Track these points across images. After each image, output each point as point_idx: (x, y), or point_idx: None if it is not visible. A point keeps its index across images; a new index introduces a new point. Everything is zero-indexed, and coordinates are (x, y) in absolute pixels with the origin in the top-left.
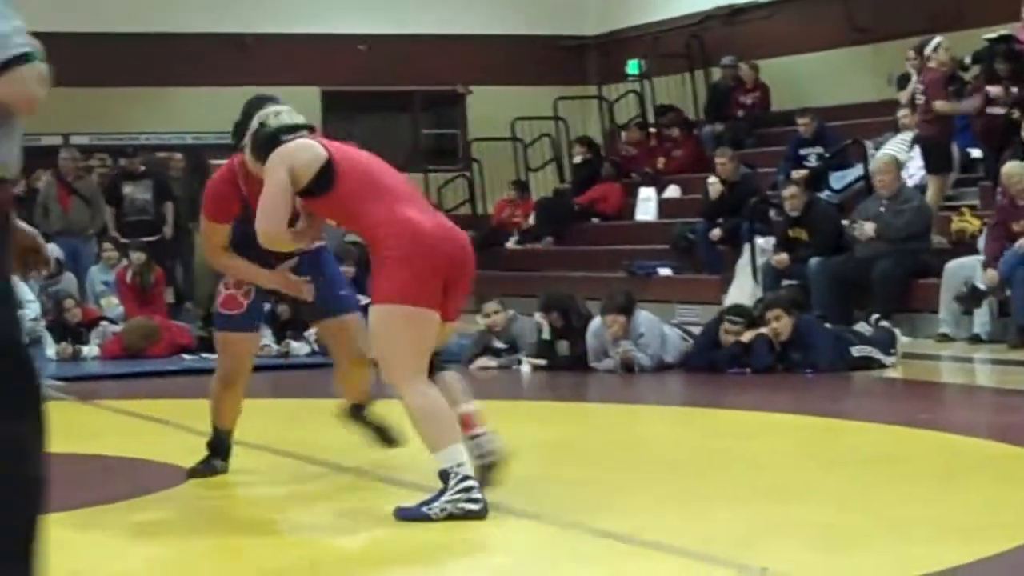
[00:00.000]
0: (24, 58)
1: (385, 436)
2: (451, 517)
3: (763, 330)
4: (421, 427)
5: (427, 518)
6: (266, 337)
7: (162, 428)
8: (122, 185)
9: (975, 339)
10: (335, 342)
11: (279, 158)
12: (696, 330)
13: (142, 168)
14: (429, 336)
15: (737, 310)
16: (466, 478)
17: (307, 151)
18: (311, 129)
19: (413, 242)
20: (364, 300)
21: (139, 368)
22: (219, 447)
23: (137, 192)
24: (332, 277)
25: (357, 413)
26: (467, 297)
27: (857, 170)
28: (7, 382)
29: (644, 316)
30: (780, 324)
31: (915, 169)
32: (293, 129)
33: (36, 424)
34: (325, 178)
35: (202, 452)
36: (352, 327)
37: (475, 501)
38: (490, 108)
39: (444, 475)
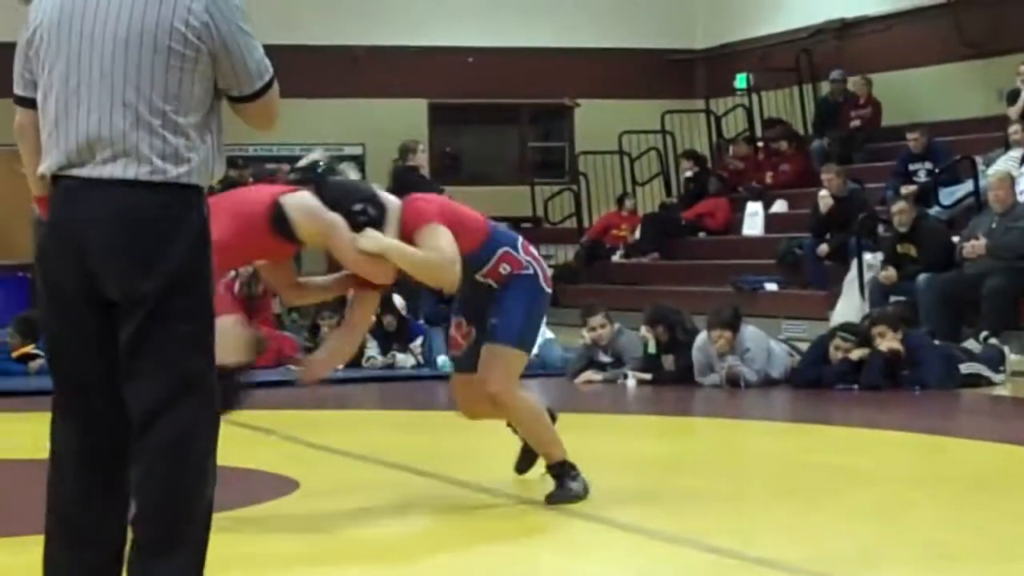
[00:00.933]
0: (274, 81)
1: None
2: None
3: (882, 347)
4: None
5: None
6: (372, 348)
7: (267, 438)
8: None
9: None
10: None
11: None
12: (802, 346)
13: (251, 180)
14: None
15: (850, 327)
16: None
17: None
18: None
19: None
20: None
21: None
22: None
23: None
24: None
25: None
26: None
27: (967, 186)
28: (204, 409)
29: (750, 331)
30: (886, 340)
31: None
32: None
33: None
34: None
35: (306, 462)
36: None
37: None
38: (597, 121)
39: None
